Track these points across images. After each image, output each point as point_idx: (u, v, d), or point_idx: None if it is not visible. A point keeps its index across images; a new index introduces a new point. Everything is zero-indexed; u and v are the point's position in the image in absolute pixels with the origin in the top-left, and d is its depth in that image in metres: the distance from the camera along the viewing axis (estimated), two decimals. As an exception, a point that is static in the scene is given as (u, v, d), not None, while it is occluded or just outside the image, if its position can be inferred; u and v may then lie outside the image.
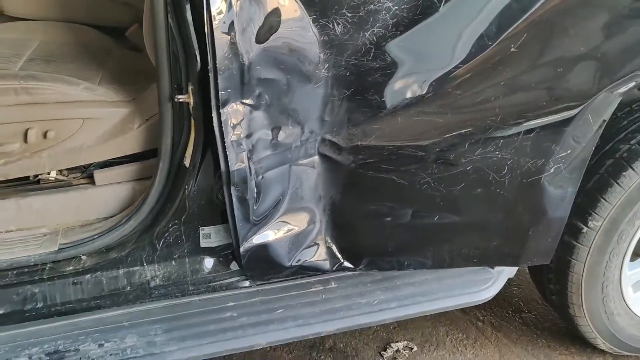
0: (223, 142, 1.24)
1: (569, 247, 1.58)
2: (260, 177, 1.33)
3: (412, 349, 1.89)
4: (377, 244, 1.50)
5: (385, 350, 1.89)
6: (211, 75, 1.18)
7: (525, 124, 1.30)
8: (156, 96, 1.35)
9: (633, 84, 1.31)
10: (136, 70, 1.70)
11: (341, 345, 1.92)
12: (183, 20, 1.21)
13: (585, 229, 1.55)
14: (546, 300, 1.85)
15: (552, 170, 1.33)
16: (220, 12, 1.14)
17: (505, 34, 1.25)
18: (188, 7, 1.19)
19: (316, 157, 1.40)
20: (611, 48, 1.29)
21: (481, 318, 2.03)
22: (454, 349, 1.90)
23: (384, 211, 1.45)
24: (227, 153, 1.25)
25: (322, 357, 1.87)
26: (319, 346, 1.91)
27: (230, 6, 1.14)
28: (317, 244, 1.49)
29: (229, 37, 1.16)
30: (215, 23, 1.14)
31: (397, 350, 1.88)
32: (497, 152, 1.32)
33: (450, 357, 1.86)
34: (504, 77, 1.28)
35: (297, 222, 1.44)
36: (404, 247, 1.51)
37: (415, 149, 1.36)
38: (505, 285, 1.65)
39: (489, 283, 1.58)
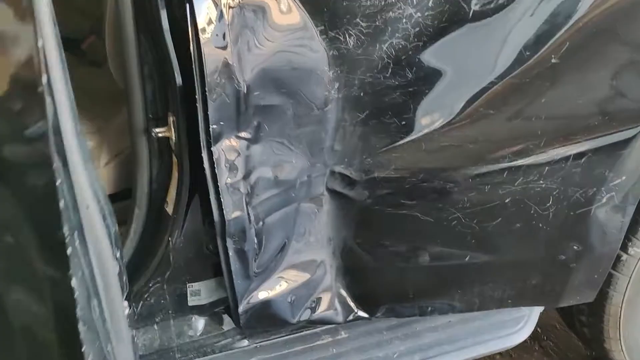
0: (216, 187, 1.00)
1: (607, 277, 1.40)
2: (261, 223, 1.10)
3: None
4: (397, 289, 1.28)
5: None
6: (199, 104, 0.93)
7: (574, 147, 1.10)
8: (127, 126, 1.10)
9: None
10: (98, 92, 1.44)
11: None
12: (157, 32, 0.96)
13: (625, 257, 1.38)
14: (575, 332, 1.67)
15: (604, 200, 1.14)
16: (209, 22, 0.90)
17: (549, 45, 1.05)
18: (164, 14, 0.94)
19: (325, 194, 1.17)
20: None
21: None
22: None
23: (405, 252, 1.24)
24: (222, 200, 1.01)
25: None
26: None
27: (221, 15, 0.90)
28: (328, 294, 1.26)
29: (221, 54, 0.91)
30: (203, 37, 0.90)
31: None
32: (541, 182, 1.12)
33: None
34: (546, 94, 1.08)
35: (304, 271, 1.21)
36: (428, 291, 1.29)
37: (443, 180, 1.15)
38: None
39: (520, 324, 1.39)
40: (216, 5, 0.90)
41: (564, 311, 1.65)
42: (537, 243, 1.21)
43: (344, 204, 1.19)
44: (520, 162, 1.12)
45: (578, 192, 1.13)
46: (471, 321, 1.40)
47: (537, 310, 1.44)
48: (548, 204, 1.14)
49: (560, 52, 1.07)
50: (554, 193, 1.13)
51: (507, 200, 1.15)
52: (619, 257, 1.38)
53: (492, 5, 1.04)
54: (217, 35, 0.90)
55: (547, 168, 1.11)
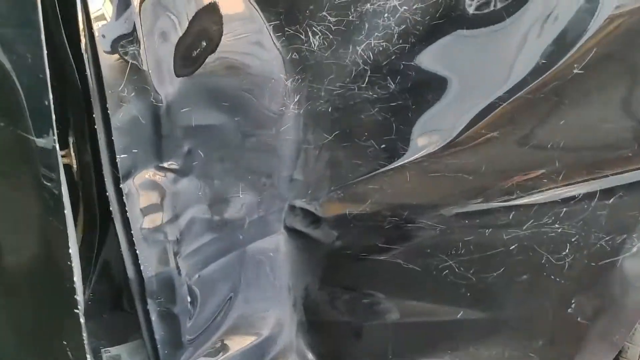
0: (129, 235, 0.73)
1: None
2: (197, 276, 0.84)
3: None
4: (374, 349, 1.04)
5: None
6: (99, 127, 0.67)
7: (601, 183, 0.86)
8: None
9: None
10: None
11: None
12: (51, 21, 0.69)
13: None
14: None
15: (634, 250, 0.90)
16: (101, 17, 0.63)
17: (574, 50, 0.82)
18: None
19: (281, 235, 0.92)
20: None
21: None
22: None
23: (384, 306, 0.99)
24: (137, 251, 0.74)
25: None
26: None
27: (127, 4, 0.64)
28: (287, 355, 1.01)
29: (129, 55, 0.65)
30: (99, 34, 0.63)
31: None
32: (557, 225, 0.88)
33: None
34: (566, 113, 0.84)
35: (254, 331, 0.96)
36: (412, 352, 1.05)
37: (432, 219, 0.91)
38: None
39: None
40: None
41: None
42: (547, 298, 0.97)
43: (307, 246, 0.95)
44: (531, 199, 0.88)
45: (603, 240, 0.89)
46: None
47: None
48: (564, 253, 0.90)
49: (585, 60, 0.83)
50: (573, 240, 0.89)
51: (512, 247, 0.91)
52: None
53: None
54: (120, 27, 0.64)
55: (565, 209, 0.87)
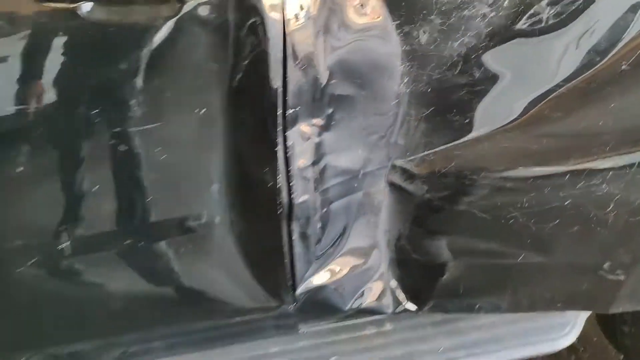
0: (288, 172, 1.03)
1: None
2: (325, 210, 1.13)
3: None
4: (449, 284, 1.30)
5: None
6: (280, 89, 0.97)
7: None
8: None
9: None
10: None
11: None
12: None
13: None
14: (614, 342, 1.67)
15: (665, 209, 1.15)
16: (297, 14, 0.93)
17: (618, 48, 1.07)
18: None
19: (384, 187, 1.20)
20: None
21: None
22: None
23: (459, 249, 1.25)
24: (292, 184, 1.04)
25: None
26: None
27: (308, 7, 0.94)
28: (380, 284, 1.29)
29: (307, 43, 0.95)
30: (295, 24, 0.93)
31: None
32: (604, 186, 1.13)
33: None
34: (615, 98, 1.09)
35: (360, 260, 1.24)
36: (479, 288, 1.31)
37: (503, 179, 1.16)
38: None
39: (567, 328, 1.40)
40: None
41: (605, 322, 1.65)
42: (593, 247, 1.22)
43: (402, 197, 1.21)
44: (583, 166, 1.13)
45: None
46: (515, 323, 1.41)
47: (583, 316, 1.44)
48: (608, 209, 1.15)
49: (631, 58, 1.08)
50: (616, 198, 1.14)
51: (566, 203, 1.15)
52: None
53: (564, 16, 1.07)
54: (304, 27, 0.94)
55: (610, 173, 1.12)
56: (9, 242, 0.95)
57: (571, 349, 1.88)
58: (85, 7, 0.80)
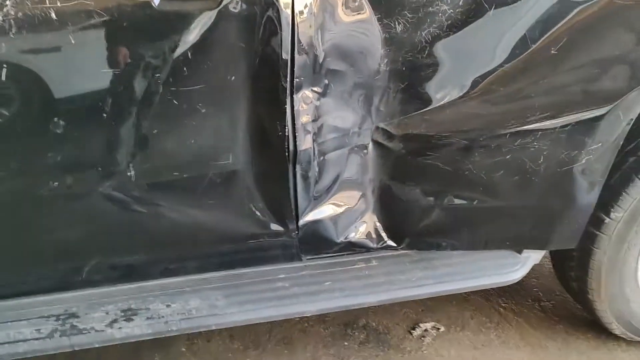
0: (294, 125, 1.39)
1: (592, 237, 1.72)
2: (322, 158, 1.49)
3: (439, 329, 2.04)
4: (419, 225, 1.65)
5: (414, 329, 2.04)
6: (289, 63, 1.33)
7: (562, 119, 1.46)
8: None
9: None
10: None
11: (374, 323, 2.07)
12: None
13: (607, 220, 1.70)
14: (566, 287, 1.99)
15: (583, 161, 1.49)
16: (302, 11, 1.29)
17: (547, 37, 1.41)
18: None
19: (370, 143, 1.55)
20: (640, 52, 1.45)
21: (503, 305, 2.18)
22: (478, 331, 2.04)
23: (427, 195, 1.60)
24: (297, 135, 1.40)
25: (356, 333, 2.02)
26: (353, 324, 2.06)
27: (311, 5, 1.30)
28: (365, 223, 1.64)
29: (309, 31, 1.31)
30: (300, 19, 1.29)
31: (426, 330, 2.03)
32: (535, 143, 1.48)
33: (474, 337, 2.01)
34: (544, 77, 1.44)
35: (349, 201, 1.59)
36: (444, 229, 1.66)
37: (460, 138, 1.51)
38: (525, 277, 1.79)
39: (517, 266, 1.73)
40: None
41: (558, 269, 1.98)
42: (531, 193, 1.56)
43: (384, 152, 1.56)
44: (519, 128, 1.47)
45: (563, 153, 1.48)
46: (478, 261, 1.75)
47: (532, 259, 1.77)
48: (539, 161, 1.49)
49: (558, 45, 1.42)
50: (545, 153, 1.48)
51: (508, 157, 1.50)
52: (602, 220, 1.70)
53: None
54: (307, 18, 1.30)
55: (540, 133, 1.46)
56: (92, 169, 1.33)
57: (536, 299, 2.23)
58: (156, 1, 1.17)
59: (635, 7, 1.40)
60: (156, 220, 1.45)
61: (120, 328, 1.48)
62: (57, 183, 1.31)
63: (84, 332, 1.47)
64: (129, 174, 1.34)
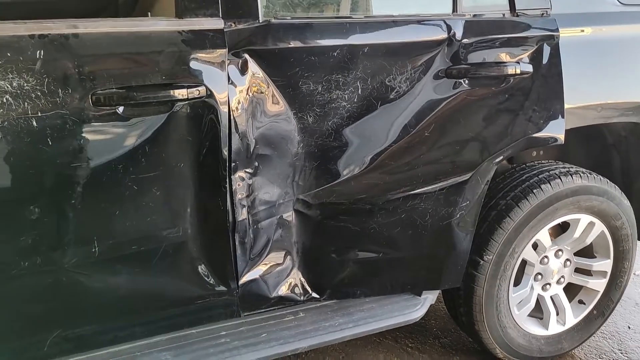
0: (233, 202, 1.70)
1: (472, 277, 2.16)
2: (256, 226, 1.79)
3: (359, 370, 2.34)
4: (337, 277, 1.98)
5: (337, 373, 2.32)
6: (227, 150, 1.65)
7: (439, 184, 1.90)
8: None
9: (502, 157, 1.98)
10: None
11: (302, 372, 2.32)
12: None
13: (481, 262, 2.14)
14: (458, 323, 2.40)
15: (458, 216, 1.93)
16: (237, 106, 1.64)
17: (422, 124, 1.86)
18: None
19: (292, 212, 1.89)
20: (488, 133, 1.95)
21: (410, 345, 2.54)
22: (392, 369, 2.37)
23: (341, 252, 1.95)
24: (235, 208, 1.71)
25: (288, 382, 2.25)
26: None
27: (244, 100, 1.65)
28: (292, 279, 1.94)
29: (243, 124, 1.66)
30: (236, 112, 1.63)
31: (347, 372, 2.32)
32: (422, 204, 1.90)
33: (389, 374, 2.33)
34: (422, 153, 1.89)
35: (278, 261, 1.90)
36: (357, 279, 2.00)
37: (364, 203, 1.89)
38: (425, 320, 2.15)
39: (418, 306, 2.11)
40: (240, 95, 1.65)
41: (450, 307, 2.38)
42: (422, 244, 1.96)
43: (304, 219, 1.90)
44: (409, 192, 1.90)
45: (443, 210, 1.92)
46: (385, 305, 2.10)
47: (429, 299, 2.16)
48: (427, 218, 1.91)
49: (429, 129, 1.88)
50: (430, 211, 1.91)
51: (403, 216, 1.91)
52: (478, 262, 2.15)
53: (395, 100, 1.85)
54: (241, 114, 1.65)
55: (425, 195, 1.89)
56: (59, 249, 1.53)
57: (436, 336, 2.61)
58: (120, 109, 1.48)
59: (481, 100, 1.91)
60: (114, 290, 1.66)
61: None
62: (27, 262, 1.50)
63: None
64: (93, 250, 1.55)
